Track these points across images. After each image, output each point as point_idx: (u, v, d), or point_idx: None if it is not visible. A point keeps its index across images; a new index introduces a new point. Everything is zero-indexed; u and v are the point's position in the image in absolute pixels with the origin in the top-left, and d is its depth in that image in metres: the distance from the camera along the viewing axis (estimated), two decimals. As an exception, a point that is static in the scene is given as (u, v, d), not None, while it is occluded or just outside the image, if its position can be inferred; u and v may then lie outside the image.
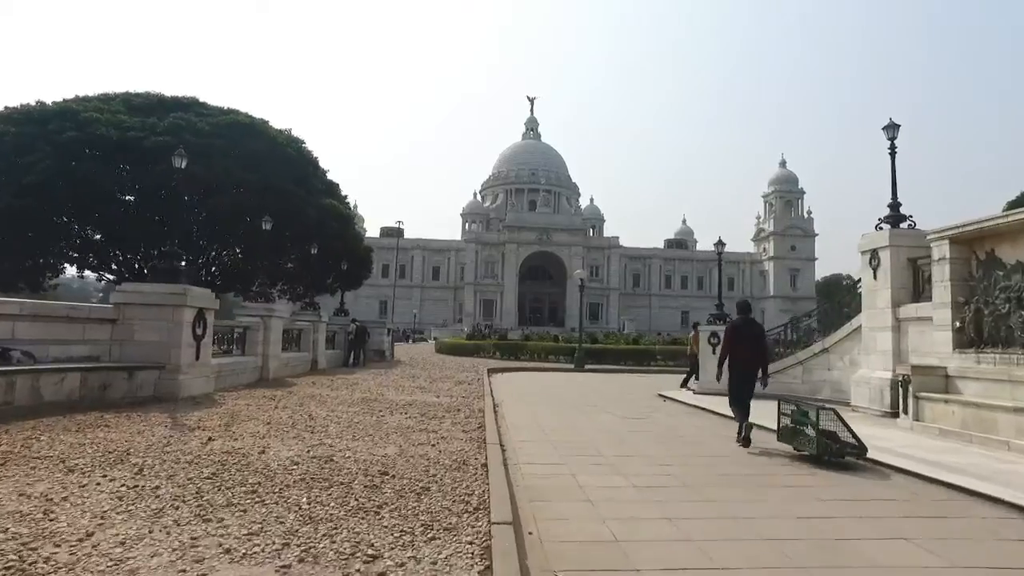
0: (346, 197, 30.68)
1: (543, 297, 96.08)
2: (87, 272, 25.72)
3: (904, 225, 11.02)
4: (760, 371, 7.85)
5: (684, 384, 15.95)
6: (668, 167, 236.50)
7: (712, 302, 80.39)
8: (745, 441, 7.56)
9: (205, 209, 23.22)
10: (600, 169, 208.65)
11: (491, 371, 21.86)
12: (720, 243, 16.08)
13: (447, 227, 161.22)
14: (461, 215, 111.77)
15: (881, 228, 11.25)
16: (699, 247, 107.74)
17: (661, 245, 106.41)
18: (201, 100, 26.73)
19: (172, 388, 9.63)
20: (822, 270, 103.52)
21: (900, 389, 8.67)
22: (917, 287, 10.51)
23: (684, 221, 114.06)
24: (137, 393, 9.25)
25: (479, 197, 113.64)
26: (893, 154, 11.33)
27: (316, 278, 30.67)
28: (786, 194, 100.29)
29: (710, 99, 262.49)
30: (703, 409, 11.84)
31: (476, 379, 17.73)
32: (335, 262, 28.06)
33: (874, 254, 11.10)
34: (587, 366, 26.11)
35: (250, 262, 29.51)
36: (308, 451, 6.06)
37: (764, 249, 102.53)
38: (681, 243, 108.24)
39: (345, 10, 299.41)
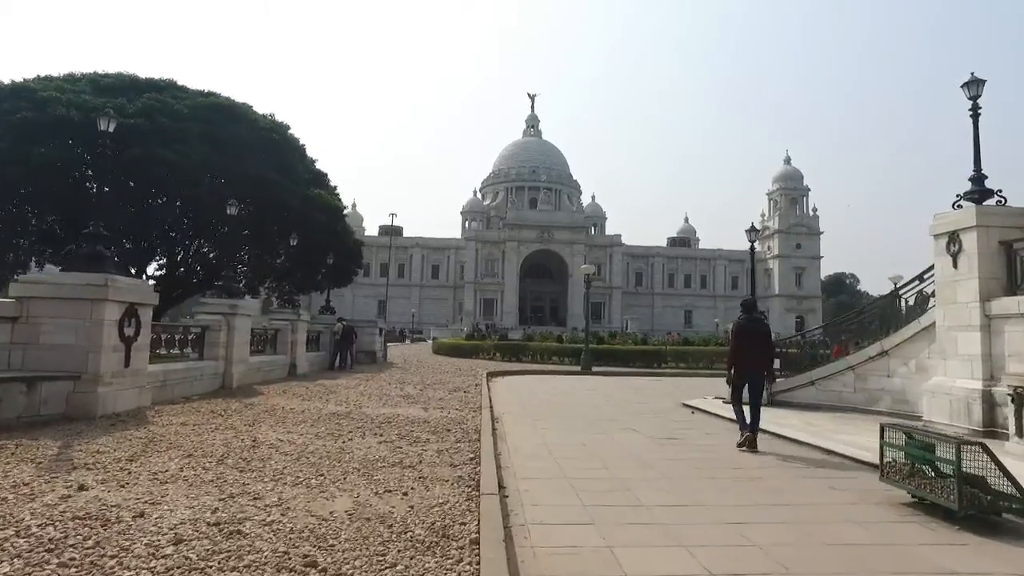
0: (336, 189, 28.71)
1: (544, 296, 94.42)
2: (48, 267, 23.78)
3: (992, 201, 9.05)
4: (767, 371, 7.99)
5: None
6: (670, 165, 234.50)
7: (716, 301, 78.69)
8: (749, 443, 7.52)
9: (179, 198, 21.22)
10: (601, 167, 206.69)
11: (491, 375, 19.94)
12: (753, 230, 14.11)
13: (447, 227, 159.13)
14: (461, 213, 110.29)
15: (961, 206, 9.27)
16: (701, 245, 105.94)
17: (663, 243, 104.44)
18: (180, 83, 24.76)
19: (88, 403, 7.66)
20: (824, 269, 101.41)
21: (1014, 405, 6.72)
22: (1012, 277, 8.54)
23: (686, 219, 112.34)
24: (41, 410, 7.28)
25: (479, 195, 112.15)
26: (976, 116, 9.34)
27: (305, 274, 28.74)
28: (791, 191, 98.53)
29: (712, 96, 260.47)
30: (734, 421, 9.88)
31: (473, 385, 15.76)
32: (323, 256, 26.12)
33: (953, 238, 9.12)
34: (593, 368, 24.17)
35: (232, 257, 27.59)
36: (214, 510, 4.08)
37: (768, 247, 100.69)
38: (684, 241, 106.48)
39: (344, 8, 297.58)
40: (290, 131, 25.98)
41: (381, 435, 7.51)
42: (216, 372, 12.12)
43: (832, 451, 7.30)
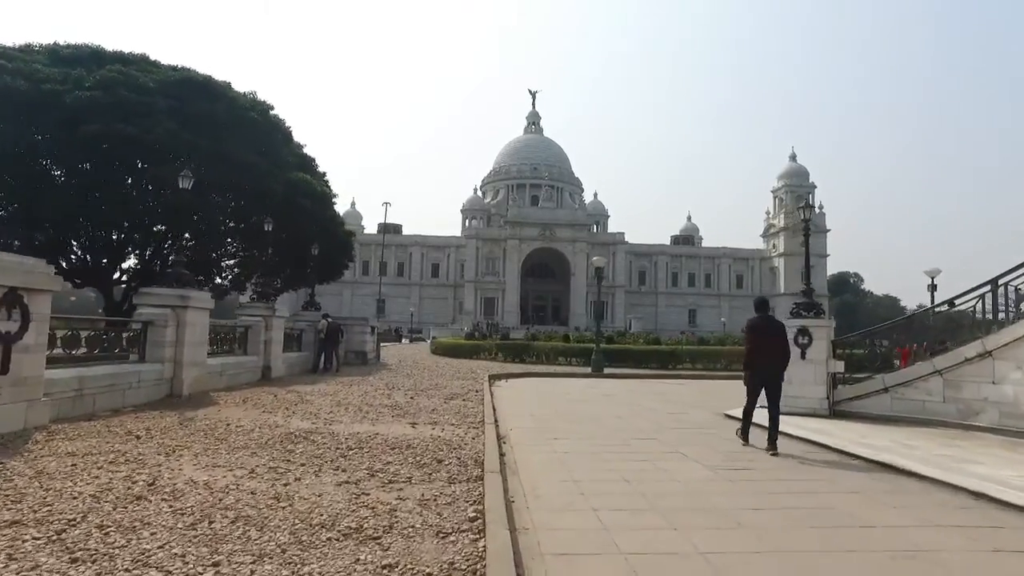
0: (325, 176, 26.55)
1: (546, 295, 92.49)
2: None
3: None
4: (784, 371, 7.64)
5: None
6: (672, 163, 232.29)
7: (721, 300, 76.64)
8: (770, 444, 7.32)
9: (144, 178, 19.00)
10: (603, 165, 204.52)
11: (493, 378, 17.78)
12: (807, 207, 11.86)
13: (448, 226, 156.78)
14: (461, 211, 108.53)
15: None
16: (704, 244, 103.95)
17: (666, 242, 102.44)
18: (152, 58, 22.58)
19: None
20: (828, 268, 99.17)
21: None
22: None
23: (689, 218, 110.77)
24: None
25: (479, 193, 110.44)
26: None
27: (295, 268, 26.59)
28: (796, 188, 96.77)
29: (715, 93, 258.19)
30: (825, 447, 7.69)
31: (474, 390, 13.59)
32: (310, 248, 23.96)
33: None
34: (604, 369, 22.02)
35: (213, 249, 25.44)
36: None
37: (774, 245, 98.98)
38: (687, 239, 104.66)
39: (344, 5, 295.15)
40: (273, 112, 23.81)
41: (344, 471, 5.33)
42: (161, 377, 9.93)
43: (997, 499, 5.08)
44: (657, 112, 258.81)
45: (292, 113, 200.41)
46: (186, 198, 12.99)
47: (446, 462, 5.82)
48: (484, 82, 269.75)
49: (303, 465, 5.49)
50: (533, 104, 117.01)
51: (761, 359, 7.48)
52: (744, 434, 7.79)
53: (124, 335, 9.63)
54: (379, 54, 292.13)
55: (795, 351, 10.84)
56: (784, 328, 7.82)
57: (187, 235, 23.75)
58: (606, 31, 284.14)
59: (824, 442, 7.81)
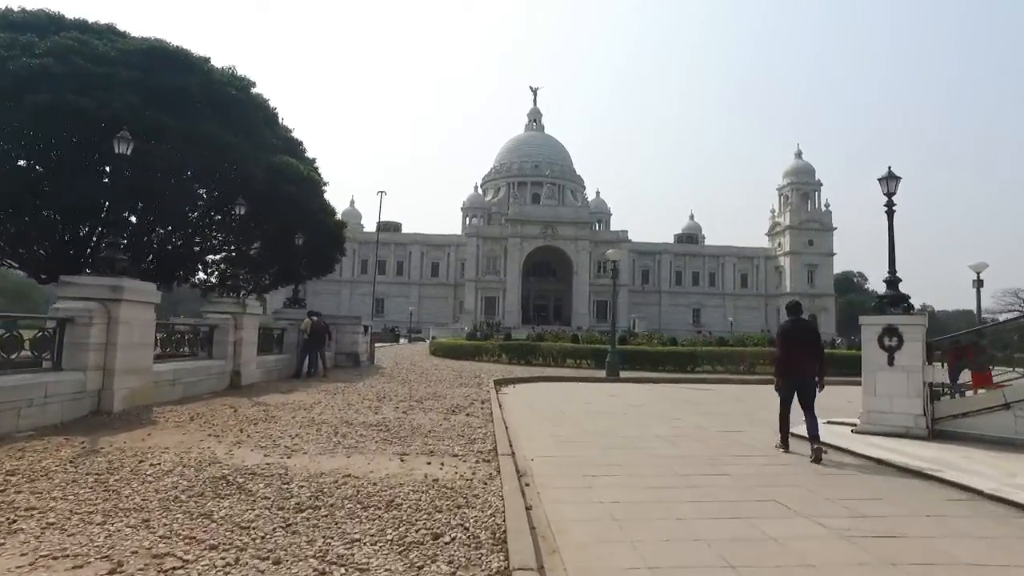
0: (315, 161, 24.37)
1: (548, 295, 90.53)
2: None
3: None
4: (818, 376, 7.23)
5: None
6: (674, 161, 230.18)
7: (725, 299, 74.46)
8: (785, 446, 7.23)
9: (99, 154, 16.73)
10: (605, 163, 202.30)
11: (499, 384, 15.68)
12: (891, 176, 9.73)
13: (447, 225, 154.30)
14: (461, 209, 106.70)
15: None
16: (707, 242, 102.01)
17: (669, 241, 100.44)
18: (121, 29, 20.42)
19: None
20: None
21: None
22: None
23: (692, 216, 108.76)
24: None
25: (480, 190, 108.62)
26: None
27: (284, 263, 24.46)
28: (802, 186, 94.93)
29: (718, 91, 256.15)
30: (973, 491, 5.52)
31: (479, 400, 11.46)
32: (305, 242, 21.83)
33: None
34: (619, 373, 19.95)
35: (190, 242, 23.30)
36: None
37: (779, 244, 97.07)
38: (691, 238, 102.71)
39: (343, 1, 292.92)
40: (256, 91, 21.62)
41: (277, 566, 3.18)
42: (82, 390, 7.76)
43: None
44: (659, 109, 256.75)
45: (292, 112, 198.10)
46: (125, 170, 10.78)
47: (446, 537, 3.66)
48: (484, 79, 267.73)
49: (210, 550, 3.34)
50: (534, 101, 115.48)
51: (792, 365, 7.21)
52: (784, 444, 7.42)
53: (38, 336, 7.47)
54: (378, 50, 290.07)
55: (880, 356, 8.73)
56: (817, 331, 7.56)
57: (168, 227, 21.64)
58: (608, 27, 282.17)
59: (968, 484, 5.64)
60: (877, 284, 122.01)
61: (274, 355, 15.25)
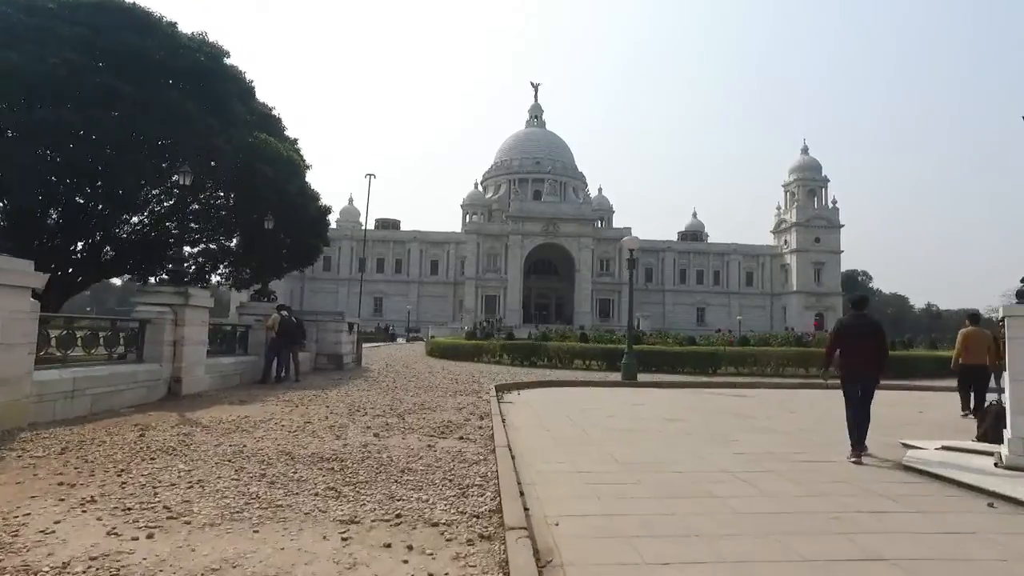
0: (297, 142, 21.97)
1: (549, 293, 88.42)
2: None
3: None
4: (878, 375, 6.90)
5: (984, 435, 7.28)
6: (677, 158, 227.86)
7: (730, 298, 72.04)
8: (856, 454, 6.56)
9: (16, 127, 14.26)
10: (606, 160, 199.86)
11: (501, 390, 13.35)
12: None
13: (448, 223, 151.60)
14: (461, 206, 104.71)
15: None
16: (711, 240, 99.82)
17: (672, 239, 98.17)
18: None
19: None
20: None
21: None
22: None
23: (695, 214, 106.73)
24: None
25: (480, 187, 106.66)
26: None
27: (268, 255, 22.06)
28: (809, 182, 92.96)
29: (720, 87, 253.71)
30: None
31: (477, 415, 9.10)
32: (276, 230, 19.42)
33: None
34: (636, 376, 17.62)
35: (156, 230, 20.90)
36: None
37: (785, 241, 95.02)
38: (695, 236, 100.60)
39: None
40: (231, 61, 19.20)
41: None
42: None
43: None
44: (662, 106, 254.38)
45: (292, 112, 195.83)
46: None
47: None
48: (484, 75, 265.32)
49: None
50: (535, 97, 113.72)
51: (851, 362, 6.89)
52: (857, 449, 6.71)
53: None
54: (377, 47, 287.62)
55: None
56: (881, 329, 7.06)
57: (125, 210, 19.18)
58: (610, 22, 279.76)
59: None
60: (882, 283, 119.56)
61: (234, 357, 12.85)
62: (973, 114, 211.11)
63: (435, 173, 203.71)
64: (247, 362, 13.25)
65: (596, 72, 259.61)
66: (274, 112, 21.83)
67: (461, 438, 7.10)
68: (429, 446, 6.51)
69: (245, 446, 6.08)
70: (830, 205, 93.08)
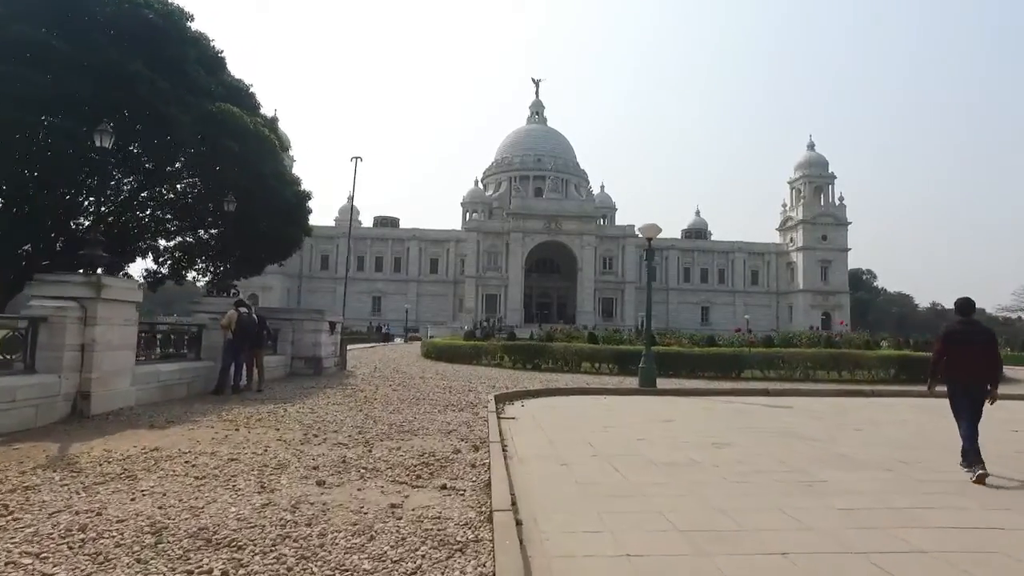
0: (276, 122, 19.78)
1: (551, 292, 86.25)
2: None
3: None
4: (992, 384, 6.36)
5: None
6: (680, 155, 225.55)
7: (736, 296, 69.54)
8: (969, 461, 6.04)
9: None
10: (608, 157, 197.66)
11: (501, 401, 11.17)
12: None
13: (447, 222, 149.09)
14: (461, 204, 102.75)
15: None
16: (714, 238, 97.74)
17: (676, 237, 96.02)
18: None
19: None
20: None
21: None
22: None
23: (698, 212, 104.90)
24: None
25: (480, 185, 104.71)
26: None
27: (246, 249, 19.88)
28: (815, 179, 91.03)
29: (722, 84, 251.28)
30: None
31: (469, 441, 6.86)
32: (256, 220, 17.19)
33: None
34: (655, 383, 15.42)
35: (120, 220, 18.69)
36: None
37: (791, 239, 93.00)
38: (698, 234, 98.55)
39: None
40: (194, 25, 16.94)
41: None
42: None
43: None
44: (664, 103, 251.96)
45: (292, 112, 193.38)
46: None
47: None
48: (486, 72, 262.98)
49: None
50: (536, 93, 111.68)
51: (959, 373, 6.37)
52: (974, 464, 5.97)
53: None
54: (377, 44, 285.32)
55: None
56: (993, 336, 6.56)
57: (70, 193, 16.93)
58: (612, 18, 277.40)
59: None
60: (887, 282, 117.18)
61: (179, 363, 10.58)
62: (981, 110, 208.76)
63: (435, 171, 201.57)
64: (198, 369, 10.98)
65: (598, 68, 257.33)
66: (250, 88, 19.61)
67: (444, 487, 4.87)
68: (393, 507, 4.26)
69: (100, 514, 3.85)
70: (837, 202, 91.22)
